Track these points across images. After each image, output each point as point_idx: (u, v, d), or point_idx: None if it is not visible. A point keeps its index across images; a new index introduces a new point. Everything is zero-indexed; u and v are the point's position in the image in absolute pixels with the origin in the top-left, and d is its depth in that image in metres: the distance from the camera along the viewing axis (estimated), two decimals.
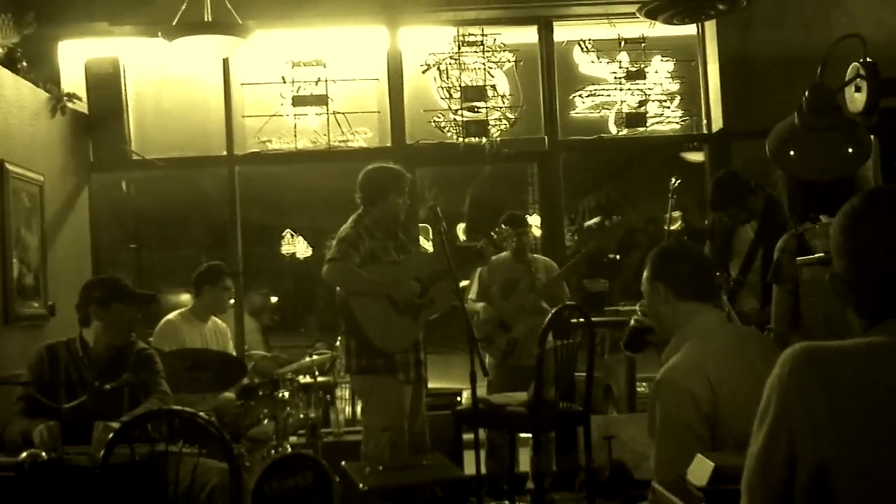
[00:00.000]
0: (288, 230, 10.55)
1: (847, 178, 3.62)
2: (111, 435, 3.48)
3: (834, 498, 1.76)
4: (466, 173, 11.90)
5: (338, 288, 5.23)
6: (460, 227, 13.57)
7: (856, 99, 2.92)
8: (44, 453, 3.66)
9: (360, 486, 4.26)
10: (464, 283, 6.53)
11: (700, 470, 2.43)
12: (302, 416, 5.91)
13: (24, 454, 3.61)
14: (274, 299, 10.25)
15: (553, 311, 5.10)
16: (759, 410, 1.89)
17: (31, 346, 5.68)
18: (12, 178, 5.72)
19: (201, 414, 3.54)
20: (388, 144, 7.38)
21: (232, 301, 6.57)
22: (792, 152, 2.81)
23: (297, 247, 11.09)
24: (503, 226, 5.92)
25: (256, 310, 8.28)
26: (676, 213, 8.85)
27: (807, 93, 2.73)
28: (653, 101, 7.52)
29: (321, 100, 7.26)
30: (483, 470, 6.13)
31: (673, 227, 8.63)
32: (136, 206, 8.23)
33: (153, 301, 5.07)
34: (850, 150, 2.75)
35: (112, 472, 3.34)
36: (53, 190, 6.43)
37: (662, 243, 3.30)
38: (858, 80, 2.88)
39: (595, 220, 6.70)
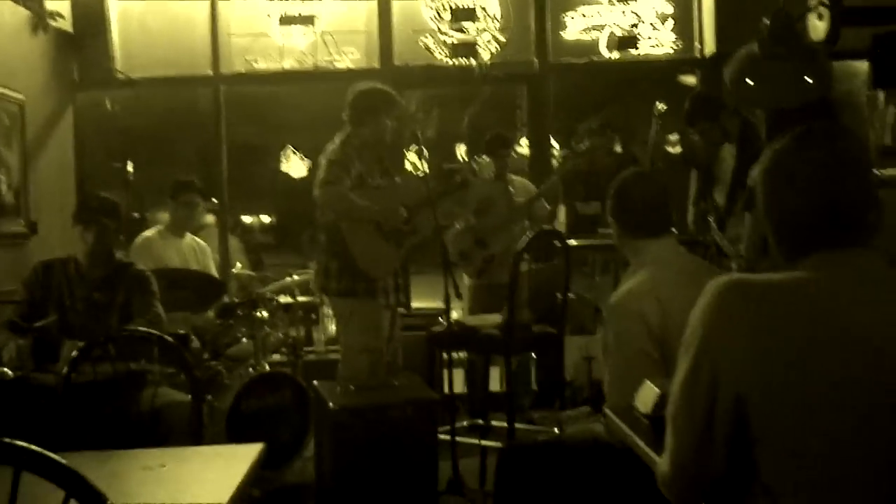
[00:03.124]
0: (289, 147, 10.46)
1: (826, 106, 3.57)
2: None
3: (752, 427, 1.79)
4: (466, 94, 11.82)
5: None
6: (461, 149, 13.52)
7: (818, 27, 2.87)
8: (10, 371, 3.69)
9: (330, 405, 4.31)
10: None
11: (646, 396, 2.44)
12: (282, 335, 5.96)
13: None
14: (266, 219, 10.26)
15: (531, 236, 5.09)
16: (683, 339, 1.91)
17: (12, 264, 5.75)
18: None
19: (158, 333, 3.54)
20: (376, 66, 7.31)
21: (209, 218, 6.56)
22: (750, 81, 2.77)
23: (292, 166, 11.00)
24: (485, 157, 5.91)
25: (240, 229, 8.30)
26: (674, 137, 8.78)
27: (767, 20, 2.68)
28: (645, 23, 7.41)
29: (308, 20, 7.16)
30: (460, 390, 6.25)
31: (675, 150, 8.56)
32: (121, 125, 8.15)
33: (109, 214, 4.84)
34: (810, 79, 2.71)
35: (75, 391, 3.38)
36: (35, 109, 6.41)
37: (619, 177, 3.28)
38: (821, 7, 2.82)
39: (584, 143, 6.66)
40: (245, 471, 2.35)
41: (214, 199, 7.53)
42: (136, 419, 3.57)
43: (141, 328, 3.67)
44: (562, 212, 10.10)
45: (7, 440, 1.59)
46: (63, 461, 1.58)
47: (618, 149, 11.77)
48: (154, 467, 2.45)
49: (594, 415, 3.65)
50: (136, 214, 7.87)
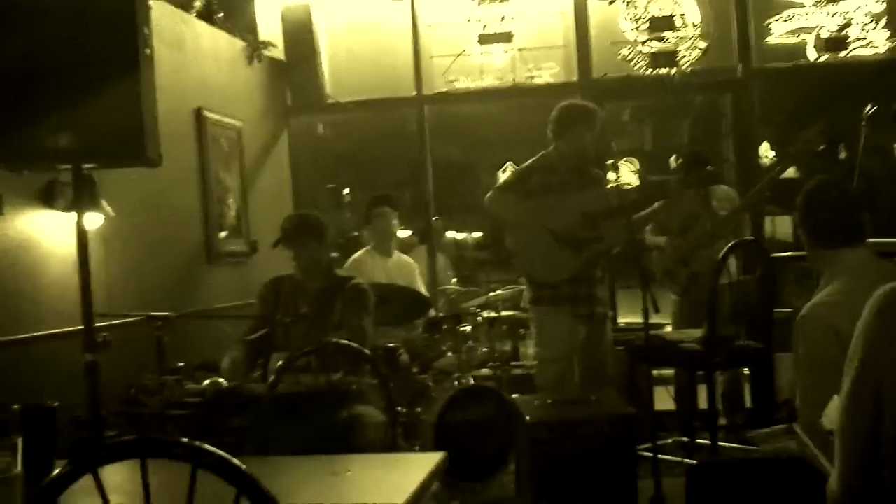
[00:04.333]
0: (509, 162, 10.56)
1: None
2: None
3: None
4: (681, 105, 11.64)
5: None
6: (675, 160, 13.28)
7: None
8: (224, 381, 3.93)
9: (527, 418, 4.35)
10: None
11: (834, 412, 2.35)
12: (487, 349, 6.04)
13: (207, 383, 3.91)
14: (478, 235, 10.39)
15: (728, 247, 4.96)
16: (849, 351, 1.83)
17: (234, 282, 6.12)
18: (210, 124, 6.10)
19: (356, 345, 3.66)
20: (575, 79, 7.32)
21: (408, 235, 6.77)
22: None
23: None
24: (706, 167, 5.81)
25: (453, 246, 8.48)
26: None
27: None
28: (856, 23, 7.08)
29: (506, 37, 7.27)
30: (669, 406, 6.14)
31: None
32: (333, 148, 8.53)
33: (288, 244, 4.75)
34: None
35: (279, 401, 3.56)
36: (252, 134, 6.79)
37: (807, 186, 3.16)
38: None
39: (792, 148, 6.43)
40: (423, 477, 2.41)
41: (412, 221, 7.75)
42: (335, 429, 3.71)
43: (340, 340, 3.79)
44: (787, 223, 9.73)
45: (186, 440, 1.69)
46: (236, 462, 1.67)
47: (842, 156, 11.28)
48: (340, 472, 2.55)
49: (791, 433, 3.52)
50: (355, 234, 8.17)
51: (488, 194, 5.30)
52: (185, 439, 1.69)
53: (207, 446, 1.67)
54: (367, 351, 3.75)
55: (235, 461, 1.66)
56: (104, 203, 4.66)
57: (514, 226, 5.27)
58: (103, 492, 1.70)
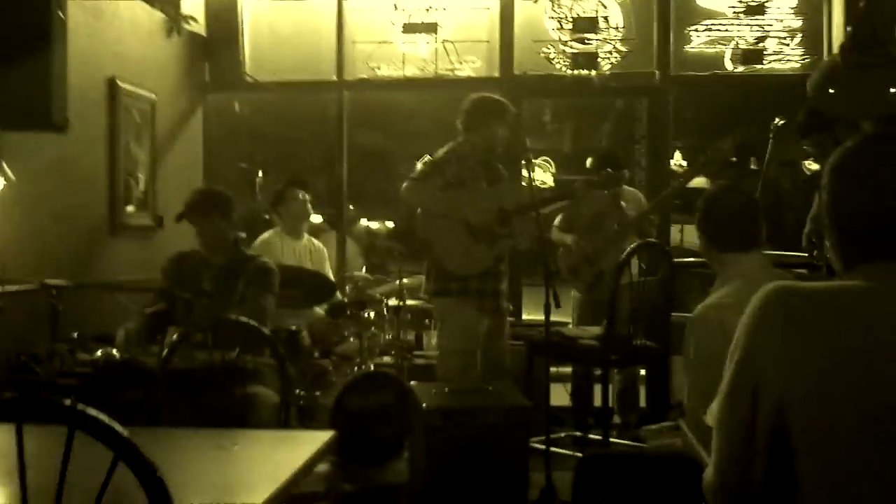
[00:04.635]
0: (427, 156, 10.60)
1: None
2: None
3: (792, 438, 1.75)
4: (602, 106, 11.75)
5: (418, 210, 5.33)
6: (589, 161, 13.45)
7: None
8: (117, 354, 3.88)
9: (424, 405, 4.38)
10: None
11: (716, 409, 2.41)
12: (390, 336, 6.05)
13: (99, 353, 3.85)
14: (388, 223, 10.42)
15: (631, 248, 5.06)
16: (730, 348, 1.89)
17: (139, 255, 6.03)
18: (123, 95, 5.99)
19: (253, 324, 3.64)
20: (496, 74, 7.36)
21: (317, 218, 6.75)
22: (831, 91, 2.70)
23: None
24: (609, 169, 5.92)
25: (366, 233, 8.49)
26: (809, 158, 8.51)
27: (850, 29, 2.62)
28: (772, 37, 7.25)
29: (431, 28, 7.28)
30: (566, 402, 6.24)
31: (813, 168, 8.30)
32: (249, 127, 8.44)
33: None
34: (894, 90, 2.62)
35: (172, 376, 3.52)
36: (167, 108, 6.69)
37: (707, 191, 3.27)
38: None
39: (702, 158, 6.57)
40: (309, 454, 2.42)
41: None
42: (228, 407, 3.69)
43: (237, 318, 3.76)
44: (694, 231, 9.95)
45: (62, 400, 1.65)
46: (115, 425, 1.63)
47: (753, 168, 11.54)
48: (227, 447, 2.54)
49: (678, 429, 3.61)
50: (266, 216, 8.12)
51: (404, 184, 5.29)
52: (63, 400, 1.65)
53: (85, 408, 1.63)
54: (266, 330, 3.73)
55: (112, 423, 1.63)
56: (5, 166, 4.55)
57: (430, 217, 5.26)
58: None
